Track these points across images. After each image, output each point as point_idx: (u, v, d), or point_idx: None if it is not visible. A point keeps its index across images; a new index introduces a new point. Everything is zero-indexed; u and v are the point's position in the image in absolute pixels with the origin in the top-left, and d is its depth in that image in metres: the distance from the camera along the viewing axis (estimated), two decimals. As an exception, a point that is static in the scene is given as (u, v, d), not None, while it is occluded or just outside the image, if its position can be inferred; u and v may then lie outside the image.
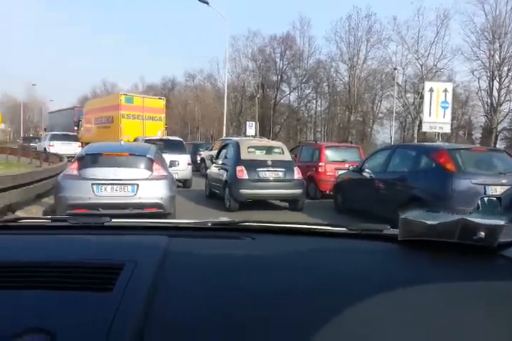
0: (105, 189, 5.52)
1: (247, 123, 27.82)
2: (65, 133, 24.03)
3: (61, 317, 0.58)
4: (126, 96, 20.58)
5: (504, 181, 5.48)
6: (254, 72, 53.69)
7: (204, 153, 15.48)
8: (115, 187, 5.55)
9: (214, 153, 11.98)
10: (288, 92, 54.09)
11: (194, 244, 0.96)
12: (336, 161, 9.91)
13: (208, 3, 22.16)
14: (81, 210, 5.33)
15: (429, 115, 15.67)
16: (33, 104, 73.17)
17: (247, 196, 7.75)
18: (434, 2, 63.71)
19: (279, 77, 53.53)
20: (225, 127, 26.26)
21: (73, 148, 19.76)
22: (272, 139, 50.06)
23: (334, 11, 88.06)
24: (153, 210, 5.57)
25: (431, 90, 15.69)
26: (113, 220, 1.06)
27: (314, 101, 53.12)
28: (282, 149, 8.55)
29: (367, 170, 7.21)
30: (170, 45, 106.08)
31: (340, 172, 8.95)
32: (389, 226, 1.02)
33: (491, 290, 0.70)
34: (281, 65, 53.24)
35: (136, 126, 19.47)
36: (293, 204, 8.22)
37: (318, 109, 53.41)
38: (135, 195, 5.57)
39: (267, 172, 7.86)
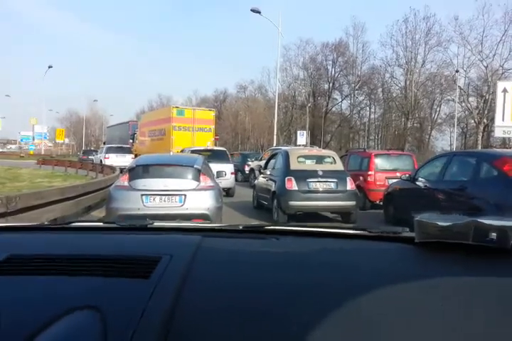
0: (154, 199, 5.57)
1: (298, 132, 27.16)
2: (119, 145, 25.11)
3: (107, 297, 0.71)
4: (177, 109, 21.50)
5: None
6: (305, 81, 53.11)
7: (253, 163, 15.56)
8: (163, 197, 5.59)
9: (263, 163, 11.69)
10: (340, 100, 52.92)
11: (224, 242, 1.05)
12: (386, 170, 9.39)
13: (259, 13, 21.94)
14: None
15: (503, 119, 14.04)
16: (94, 119, 77.62)
17: (296, 208, 7.33)
18: None
19: (331, 84, 52.56)
20: (275, 136, 25.81)
21: (127, 160, 20.10)
22: (323, 148, 49.22)
23: (390, 13, 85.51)
24: (200, 221, 5.32)
25: (504, 91, 14.05)
26: (155, 223, 1.20)
27: (368, 108, 51.44)
28: (334, 158, 8.11)
29: (421, 179, 6.67)
30: (223, 57, 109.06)
31: (391, 181, 8.41)
32: (408, 229, 1.03)
33: (506, 291, 0.72)
34: (333, 73, 52.34)
35: (187, 138, 20.29)
36: (345, 216, 7.73)
37: (372, 116, 51.59)
38: (182, 205, 5.58)
39: (318, 183, 7.41)
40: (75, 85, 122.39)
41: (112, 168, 14.66)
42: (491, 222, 0.81)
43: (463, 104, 39.15)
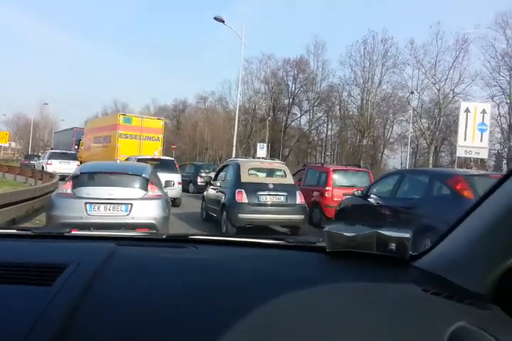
0: (98, 208, 5.41)
1: (258, 144, 26.71)
2: (63, 151, 23.92)
3: (4, 305, 0.70)
4: (124, 116, 21.06)
5: None
6: (266, 95, 53.45)
7: (208, 175, 15.43)
8: (108, 206, 5.43)
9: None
10: (299, 115, 53.43)
11: (138, 250, 1.03)
12: (344, 186, 9.20)
13: (223, 22, 21.37)
14: (72, 230, 4.63)
15: (465, 139, 14.15)
16: (44, 123, 73.43)
17: (245, 221, 7.21)
18: (454, 26, 63.75)
19: (291, 100, 53.18)
20: (234, 148, 25.08)
21: (71, 167, 19.22)
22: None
23: (350, 34, 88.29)
24: (146, 231, 5.19)
25: (467, 111, 14.22)
26: (73, 232, 1.18)
27: (325, 124, 52.10)
28: (285, 172, 8.05)
29: (373, 196, 6.46)
30: (183, 67, 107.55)
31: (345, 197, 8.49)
32: (321, 239, 1.06)
33: (403, 299, 0.77)
34: (293, 88, 53.04)
35: (133, 146, 19.88)
36: (294, 230, 7.76)
37: (329, 132, 52.36)
38: (128, 214, 5.43)
39: (268, 196, 7.34)
40: (25, 88, 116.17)
41: (51, 175, 13.81)
42: (390, 234, 0.88)
43: (415, 125, 40.44)
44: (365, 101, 45.27)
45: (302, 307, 0.73)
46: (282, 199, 7.41)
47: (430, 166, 37.33)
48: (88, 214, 5.34)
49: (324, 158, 52.25)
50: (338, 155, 51.71)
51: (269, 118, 51.32)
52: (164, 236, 1.21)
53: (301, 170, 10.93)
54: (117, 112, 69.07)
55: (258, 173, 8.01)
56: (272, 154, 43.28)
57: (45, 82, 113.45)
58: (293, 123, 54.14)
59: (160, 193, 5.88)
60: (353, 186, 9.17)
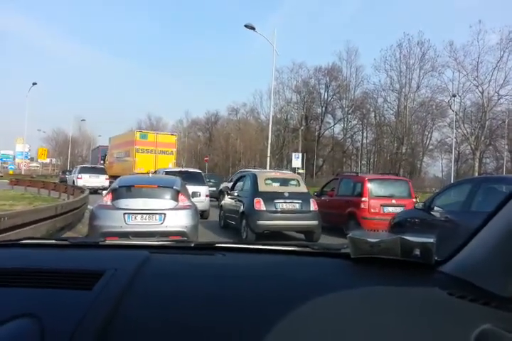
0: (135, 218, 5.88)
1: (294, 154, 25.70)
2: (93, 166, 25.63)
3: (48, 307, 0.76)
4: (141, 133, 23.42)
5: None
6: (298, 104, 52.63)
7: (223, 185, 15.71)
8: (144, 216, 5.91)
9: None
10: (333, 124, 52.04)
11: (170, 258, 1.09)
12: (381, 196, 8.69)
13: (254, 29, 20.71)
14: (113, 238, 5.45)
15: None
16: (82, 139, 75.53)
17: (264, 227, 7.64)
18: (497, 24, 60.77)
19: (324, 108, 52.14)
20: (268, 159, 24.09)
21: (100, 181, 21.04)
22: (316, 173, 47.80)
23: (384, 38, 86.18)
24: (178, 238, 5.67)
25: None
26: (106, 241, 1.26)
27: (360, 132, 50.37)
28: (298, 181, 8.60)
29: (437, 209, 5.59)
30: (214, 80, 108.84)
31: (391, 209, 8.22)
32: (346, 246, 1.07)
33: (429, 303, 0.78)
34: (326, 97, 52.06)
35: (149, 159, 21.90)
36: (309, 235, 8.06)
37: (364, 141, 50.50)
38: (162, 223, 5.91)
39: (284, 204, 7.79)
40: (63, 105, 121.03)
41: (82, 190, 13.44)
42: (414, 239, 0.88)
43: (458, 130, 38.16)
44: (402, 107, 43.39)
45: (329, 313, 0.74)
46: (297, 206, 7.81)
47: (476, 173, 35.03)
48: (127, 223, 5.82)
49: (360, 167, 50.47)
50: (374, 163, 49.76)
51: (302, 127, 50.37)
52: (193, 245, 1.25)
53: (334, 180, 10.44)
54: (152, 126, 70.76)
55: (274, 183, 8.40)
56: (306, 165, 42.05)
57: (83, 99, 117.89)
58: (326, 132, 53.01)
59: (189, 204, 6.35)
60: (391, 196, 8.76)
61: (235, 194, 8.85)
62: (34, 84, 38.58)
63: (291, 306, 0.74)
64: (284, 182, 8.52)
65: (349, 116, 49.87)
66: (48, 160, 70.88)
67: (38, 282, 0.84)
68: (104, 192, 6.81)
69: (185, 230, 5.88)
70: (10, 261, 1.00)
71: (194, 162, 64.04)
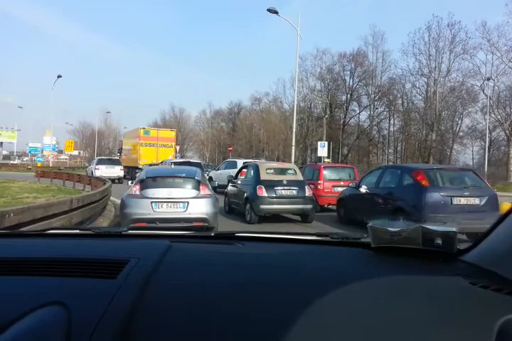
0: (162, 206, 6.44)
1: (319, 143, 24.87)
2: (109, 157, 28.09)
3: (75, 294, 0.77)
4: (144, 129, 27.31)
5: (466, 193, 6.69)
6: (322, 92, 51.14)
7: (212, 173, 17.74)
8: (170, 204, 6.47)
9: (221, 172, 15.73)
10: (358, 111, 50.45)
11: (191, 247, 1.11)
12: (332, 179, 11.12)
13: (277, 13, 19.83)
14: (142, 224, 6.33)
15: None
16: (108, 132, 76.31)
17: (266, 210, 8.79)
18: None
19: (349, 95, 50.55)
20: (293, 148, 23.29)
21: (116, 171, 22.66)
22: (341, 161, 46.52)
23: (412, 21, 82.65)
24: (200, 224, 6.47)
25: None
26: (129, 231, 1.29)
27: (387, 120, 48.50)
28: (295, 170, 9.68)
29: (363, 187, 8.36)
30: (237, 70, 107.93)
31: (340, 188, 10.30)
32: (366, 235, 1.09)
33: (451, 292, 0.77)
34: (351, 83, 50.57)
35: (152, 152, 25.63)
36: (304, 217, 9.22)
37: (391, 128, 48.63)
38: (185, 211, 6.48)
39: (283, 191, 8.88)
40: (90, 99, 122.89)
41: (105, 182, 13.29)
42: (436, 228, 0.88)
43: (492, 116, 36.06)
44: (432, 92, 41.39)
45: (351, 302, 0.74)
46: (294, 192, 8.91)
47: (511, 160, 33.12)
48: (154, 211, 6.41)
49: (387, 155, 48.78)
50: (402, 152, 47.95)
51: (326, 116, 49.16)
52: (213, 234, 1.26)
53: (300, 168, 12.22)
54: (175, 117, 70.67)
55: (274, 172, 9.47)
56: (331, 153, 40.87)
57: (108, 92, 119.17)
58: (352, 120, 51.40)
59: (210, 193, 6.87)
60: (340, 179, 11.13)
61: (239, 182, 9.98)
62: (59, 76, 38.89)
63: (312, 295, 0.73)
64: (283, 171, 9.69)
65: (375, 103, 48.26)
66: (76, 153, 72.22)
67: (64, 271, 0.85)
68: (130, 183, 7.52)
69: (206, 217, 6.51)
70: (36, 251, 1.02)
71: (218, 152, 63.73)
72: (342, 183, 10.49)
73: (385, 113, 48.87)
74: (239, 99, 69.77)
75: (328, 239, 1.18)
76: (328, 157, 25.54)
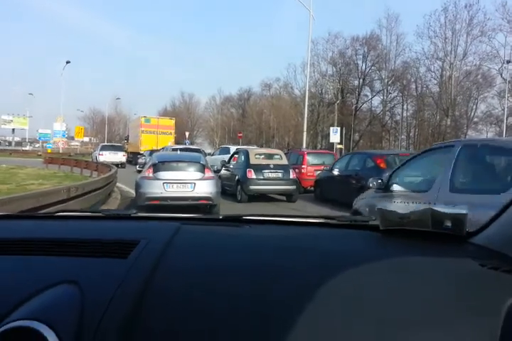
0: (172, 186, 7.55)
1: (331, 129, 24.25)
2: (112, 144, 30.34)
3: (87, 274, 0.78)
4: (145, 118, 29.55)
5: None
6: (334, 77, 50.04)
7: (207, 158, 20.24)
8: (179, 185, 7.57)
9: (215, 157, 17.07)
10: (371, 97, 49.08)
11: (200, 229, 1.13)
12: (314, 164, 12.17)
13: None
14: (155, 201, 7.40)
15: None
16: (118, 118, 76.01)
17: (254, 191, 9.92)
18: None
19: (361, 80, 49.25)
20: (305, 134, 22.71)
21: (118, 157, 23.99)
22: (352, 148, 45.58)
23: (428, 3, 79.63)
24: (205, 202, 7.68)
25: None
26: (138, 213, 1.32)
27: (400, 105, 47.13)
28: (281, 156, 10.78)
29: (335, 170, 9.83)
30: (247, 56, 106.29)
31: (318, 172, 11.49)
32: (374, 218, 1.10)
33: (461, 274, 0.77)
34: (363, 68, 49.29)
35: (152, 139, 27.82)
36: (289, 197, 10.36)
37: (405, 114, 47.28)
38: (193, 190, 7.59)
39: (270, 173, 9.94)
40: (100, 85, 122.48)
41: (110, 168, 13.35)
42: (445, 210, 0.87)
43: (510, 100, 34.67)
44: (448, 76, 39.94)
45: (361, 284, 0.73)
46: (280, 175, 9.97)
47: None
48: (166, 190, 7.40)
49: (400, 141, 47.64)
50: (416, 137, 46.72)
51: (338, 101, 47.97)
52: (221, 217, 1.27)
53: (286, 154, 12.98)
54: (185, 104, 70.09)
55: (262, 157, 10.47)
56: (343, 140, 39.92)
57: (118, 78, 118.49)
58: (364, 106, 49.97)
59: (212, 175, 7.98)
60: (321, 164, 12.19)
61: (231, 166, 11.11)
62: (68, 62, 38.60)
63: (323, 277, 0.73)
64: (270, 156, 10.72)
65: (389, 87, 46.75)
66: (87, 139, 72.14)
67: (75, 251, 0.87)
68: (138, 167, 8.82)
69: (210, 195, 7.61)
70: (47, 232, 1.03)
71: (228, 138, 63.10)
72: (323, 168, 11.56)
73: (398, 98, 47.55)
74: (249, 85, 68.61)
75: (335, 221, 1.18)
76: (340, 143, 24.70)
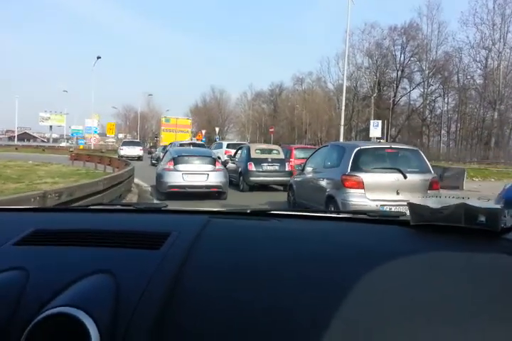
0: (189, 176, 8.91)
1: (372, 122, 22.45)
2: (132, 140, 34.82)
3: (121, 263, 0.81)
4: (165, 118, 36.15)
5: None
6: (370, 69, 47.27)
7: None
8: (195, 175, 8.93)
9: (216, 151, 16.92)
10: (410, 89, 46.24)
11: (229, 222, 1.14)
12: (301, 158, 12.43)
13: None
14: (175, 189, 8.77)
15: None
16: (151, 114, 76.06)
17: (254, 181, 11.29)
18: None
19: (400, 72, 46.65)
20: (342, 128, 20.72)
21: (136, 151, 27.26)
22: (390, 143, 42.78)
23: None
24: (216, 190, 9.09)
25: None
26: (168, 207, 1.36)
27: (441, 98, 43.88)
28: (278, 150, 12.24)
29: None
30: (278, 51, 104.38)
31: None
32: (405, 213, 1.08)
33: (495, 270, 0.77)
34: (402, 59, 46.85)
35: (171, 136, 32.18)
36: (285, 187, 10.94)
37: (445, 108, 43.96)
38: (206, 180, 8.96)
39: (268, 166, 11.33)
40: (133, 83, 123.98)
41: (127, 163, 13.38)
42: (480, 205, 0.85)
43: None
44: (495, 66, 36.62)
45: (393, 279, 0.73)
46: (277, 167, 11.40)
47: None
48: (184, 180, 8.90)
49: (440, 136, 44.41)
50: (456, 132, 43.38)
51: (374, 95, 45.42)
52: (248, 211, 1.27)
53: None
54: (215, 99, 69.23)
55: (261, 152, 11.76)
56: (384, 134, 37.31)
57: (151, 75, 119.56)
58: (402, 99, 46.99)
59: (222, 167, 9.66)
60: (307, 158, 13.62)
61: (236, 160, 12.43)
62: (98, 58, 38.19)
63: (356, 271, 0.73)
64: (269, 151, 11.93)
65: (429, 79, 43.59)
66: (122, 135, 72.42)
67: (109, 242, 0.89)
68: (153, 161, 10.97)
69: (221, 184, 8.99)
70: (82, 224, 1.06)
71: (259, 134, 61.54)
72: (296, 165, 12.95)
73: (438, 90, 44.40)
74: (280, 80, 66.78)
75: (365, 216, 1.17)
76: (381, 137, 22.62)
